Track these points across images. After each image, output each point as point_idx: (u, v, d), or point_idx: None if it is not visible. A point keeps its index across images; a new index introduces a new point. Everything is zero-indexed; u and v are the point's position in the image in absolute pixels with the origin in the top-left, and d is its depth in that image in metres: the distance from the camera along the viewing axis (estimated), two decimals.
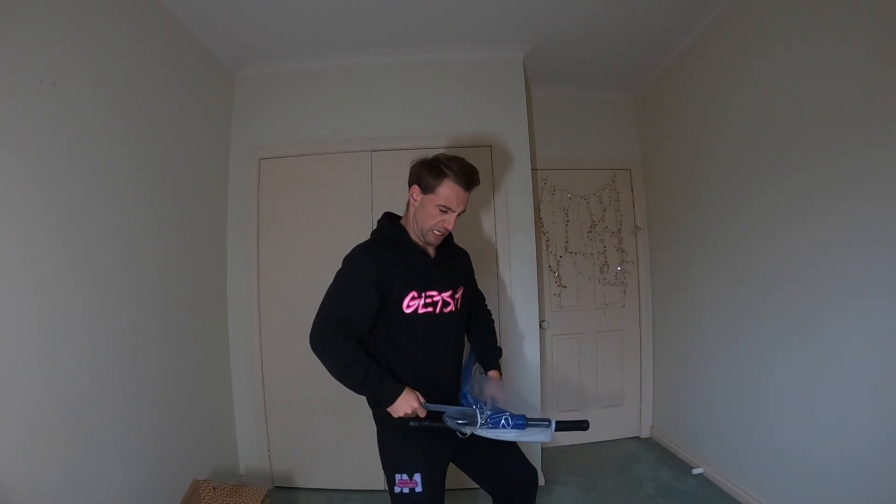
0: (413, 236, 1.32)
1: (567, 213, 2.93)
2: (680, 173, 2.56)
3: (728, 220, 2.14)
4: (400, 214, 1.41)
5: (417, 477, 1.21)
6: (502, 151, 2.38)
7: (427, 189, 1.26)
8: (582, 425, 1.20)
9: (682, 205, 2.54)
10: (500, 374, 1.48)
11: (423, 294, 1.25)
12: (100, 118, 1.55)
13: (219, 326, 2.32)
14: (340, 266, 1.26)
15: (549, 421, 1.17)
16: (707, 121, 2.29)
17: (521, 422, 1.15)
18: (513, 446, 1.34)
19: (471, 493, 2.19)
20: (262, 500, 1.87)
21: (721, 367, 2.23)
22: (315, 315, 1.20)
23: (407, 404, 1.16)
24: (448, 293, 1.31)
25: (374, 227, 1.40)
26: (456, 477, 1.34)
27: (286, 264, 2.40)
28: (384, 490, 2.29)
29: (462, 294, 1.39)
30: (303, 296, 2.22)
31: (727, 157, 2.13)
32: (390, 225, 1.34)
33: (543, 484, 2.32)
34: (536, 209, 2.78)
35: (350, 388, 1.18)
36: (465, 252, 1.54)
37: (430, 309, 1.27)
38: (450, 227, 1.28)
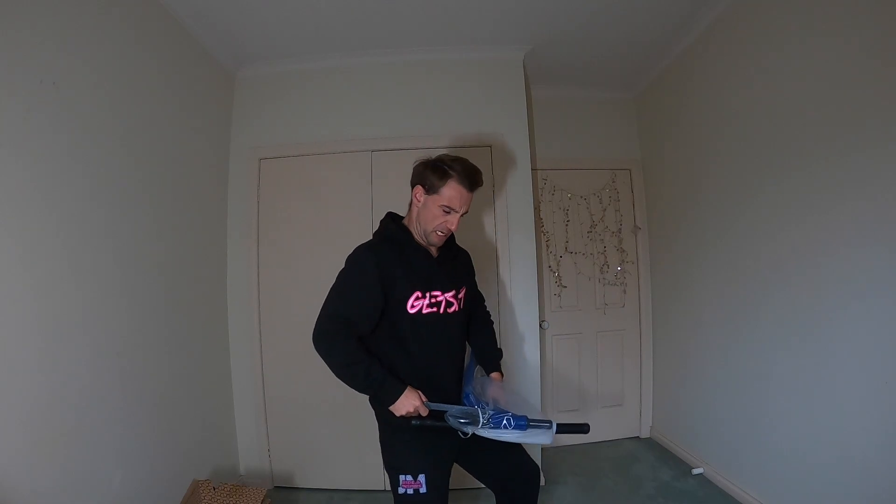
0: (416, 236, 1.32)
1: (567, 213, 2.93)
2: (680, 173, 2.56)
3: (728, 220, 2.14)
4: (402, 214, 1.41)
5: (422, 478, 1.20)
6: (502, 151, 2.38)
7: (431, 189, 1.26)
8: (583, 428, 1.20)
9: (682, 205, 2.54)
10: (502, 375, 1.49)
11: (426, 294, 1.26)
12: (100, 118, 1.55)
13: (219, 326, 2.32)
14: (343, 266, 1.26)
15: (550, 423, 1.17)
16: (707, 121, 2.29)
17: (523, 423, 1.15)
18: (515, 444, 1.34)
19: (472, 493, 2.19)
20: (262, 500, 1.87)
21: (721, 367, 2.23)
22: (318, 314, 1.20)
23: (409, 403, 1.16)
24: (451, 293, 1.31)
25: (375, 227, 1.40)
26: (457, 477, 1.34)
27: (286, 264, 2.39)
28: (384, 490, 2.30)
29: (465, 294, 1.39)
30: (303, 296, 2.24)
31: (727, 157, 2.13)
32: (394, 225, 1.34)
33: (544, 484, 2.31)
34: (536, 209, 2.78)
35: (352, 388, 1.18)
36: (467, 252, 1.54)
37: (434, 309, 1.27)
38: (453, 227, 1.28)
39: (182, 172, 2.04)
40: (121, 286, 1.62)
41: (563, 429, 1.19)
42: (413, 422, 1.17)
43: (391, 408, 1.17)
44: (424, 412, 1.18)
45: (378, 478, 2.32)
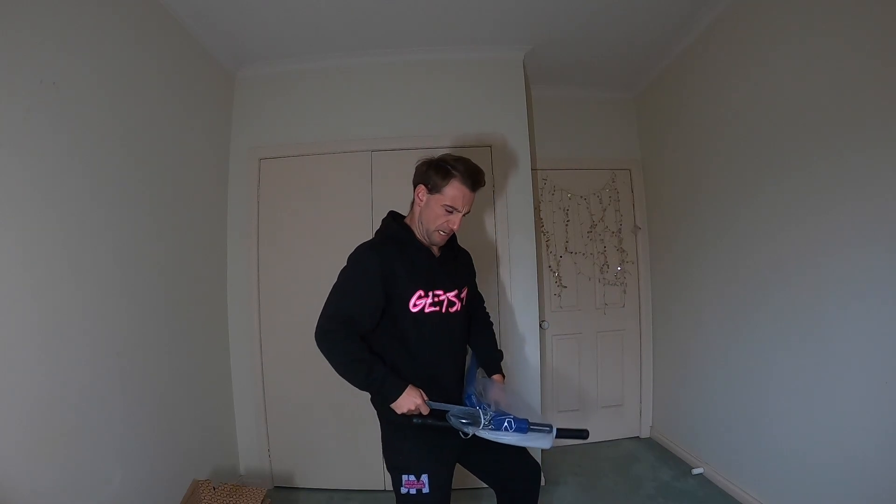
0: (418, 235, 1.32)
1: (567, 213, 2.93)
2: (680, 173, 2.56)
3: (728, 220, 2.15)
4: (403, 214, 1.41)
5: (425, 478, 1.21)
6: (502, 151, 2.38)
7: (433, 189, 1.26)
8: (582, 434, 1.20)
9: (682, 205, 2.54)
10: (503, 377, 1.49)
11: (429, 293, 1.26)
12: (100, 118, 1.55)
13: (219, 326, 2.32)
14: (345, 264, 1.26)
15: (550, 427, 1.18)
16: (707, 121, 2.29)
17: (524, 426, 1.16)
18: None
19: (473, 493, 2.19)
20: (262, 500, 1.87)
21: (721, 366, 2.23)
22: (320, 313, 1.20)
23: (410, 400, 1.16)
24: (454, 293, 1.31)
25: (375, 227, 1.40)
26: (458, 476, 1.34)
27: (286, 264, 2.39)
28: (384, 490, 2.30)
29: (466, 294, 1.40)
30: (303, 296, 2.24)
31: (727, 157, 2.13)
32: (395, 224, 1.35)
33: (544, 484, 2.31)
34: (536, 209, 2.78)
35: (354, 385, 1.18)
36: (468, 253, 1.54)
37: (436, 308, 1.27)
38: (455, 227, 1.29)
39: (182, 172, 2.04)
40: (121, 286, 1.62)
41: (563, 433, 1.20)
42: (414, 420, 1.17)
43: (392, 405, 1.18)
44: (425, 411, 1.18)
45: (378, 478, 2.32)
